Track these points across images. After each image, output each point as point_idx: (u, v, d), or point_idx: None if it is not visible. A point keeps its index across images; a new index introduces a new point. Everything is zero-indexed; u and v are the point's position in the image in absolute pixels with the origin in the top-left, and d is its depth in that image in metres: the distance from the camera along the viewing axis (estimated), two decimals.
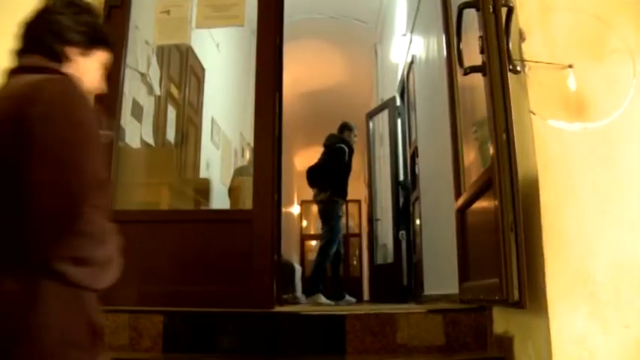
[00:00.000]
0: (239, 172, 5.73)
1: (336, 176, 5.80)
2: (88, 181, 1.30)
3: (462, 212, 2.78)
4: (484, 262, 2.27)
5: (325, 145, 6.13)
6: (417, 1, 5.55)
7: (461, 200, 2.79)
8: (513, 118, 1.89)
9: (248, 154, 5.90)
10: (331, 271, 5.94)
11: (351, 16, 8.36)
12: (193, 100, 5.75)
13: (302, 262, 12.85)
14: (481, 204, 2.35)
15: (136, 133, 4.17)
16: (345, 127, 6.18)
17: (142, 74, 4.24)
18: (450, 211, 3.17)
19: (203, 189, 5.10)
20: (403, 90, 6.92)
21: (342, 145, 5.89)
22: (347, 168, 5.93)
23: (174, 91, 5.27)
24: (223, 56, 6.51)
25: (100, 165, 1.37)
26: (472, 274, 2.60)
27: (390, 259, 6.96)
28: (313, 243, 13.97)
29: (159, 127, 4.79)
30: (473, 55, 2.16)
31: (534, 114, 2.00)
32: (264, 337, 2.83)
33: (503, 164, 1.88)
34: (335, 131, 6.22)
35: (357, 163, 7.26)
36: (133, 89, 4.00)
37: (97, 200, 1.33)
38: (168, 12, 3.57)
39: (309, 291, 5.67)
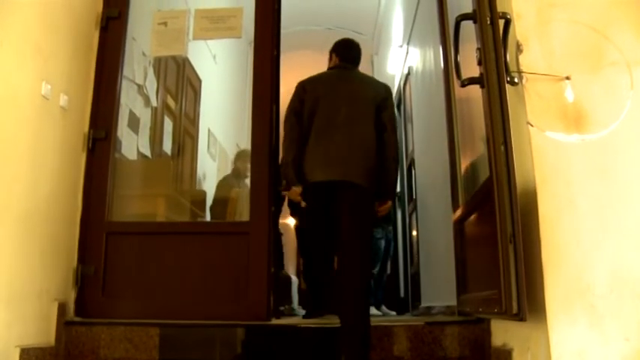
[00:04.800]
0: (224, 181, 5.70)
1: None
2: None
3: (460, 224, 2.78)
4: (482, 273, 2.26)
5: None
6: (413, 13, 5.57)
7: (459, 212, 2.78)
8: (511, 129, 1.89)
9: (230, 163, 5.88)
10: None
11: (347, 27, 8.37)
12: (190, 111, 5.75)
13: (298, 274, 12.80)
14: (479, 216, 2.35)
15: (133, 144, 4.16)
16: None
17: (139, 85, 4.24)
18: (447, 222, 3.16)
19: (199, 200, 5.08)
20: (400, 101, 6.93)
21: None
22: None
23: (171, 102, 5.26)
24: (220, 68, 6.52)
25: None
26: (470, 285, 2.59)
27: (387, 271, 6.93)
28: None
29: (155, 139, 4.78)
30: (470, 67, 2.17)
31: (532, 125, 2.00)
32: (260, 350, 2.81)
33: (502, 176, 1.87)
34: None
35: None
36: (129, 100, 4.00)
37: None
38: (165, 24, 3.58)
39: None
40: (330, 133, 3.17)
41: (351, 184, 3.00)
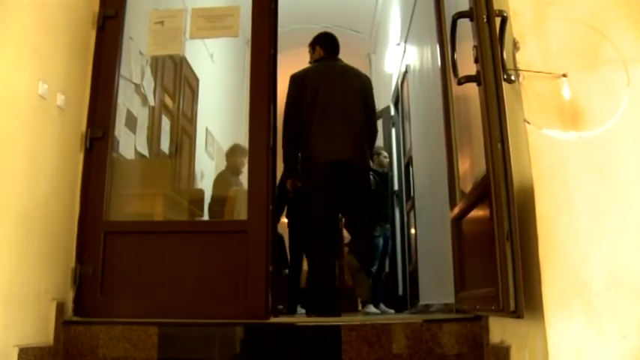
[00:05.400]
0: (221, 177, 5.70)
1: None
2: None
3: (457, 221, 2.78)
4: (480, 271, 2.27)
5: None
6: (410, 11, 5.57)
7: (456, 209, 2.79)
8: (508, 127, 1.89)
9: (224, 158, 5.89)
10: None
11: (345, 26, 8.39)
12: (187, 110, 5.75)
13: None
14: (477, 213, 2.35)
15: (130, 143, 4.16)
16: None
17: (136, 85, 4.24)
18: (445, 220, 3.16)
19: (197, 199, 5.08)
20: (397, 99, 6.94)
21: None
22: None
23: (169, 101, 5.26)
24: (217, 66, 6.52)
25: None
26: (468, 283, 2.60)
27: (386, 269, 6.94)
28: None
29: (153, 138, 4.78)
30: (467, 65, 2.17)
31: (529, 123, 2.00)
32: (259, 348, 2.81)
33: (499, 174, 1.87)
34: None
35: None
36: (127, 100, 4.00)
37: None
38: (162, 23, 3.58)
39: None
40: (331, 120, 3.74)
41: (351, 162, 3.67)
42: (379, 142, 7.39)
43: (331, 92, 3.75)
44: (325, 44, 4.09)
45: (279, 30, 3.58)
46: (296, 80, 3.86)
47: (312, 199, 3.81)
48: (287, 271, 5.30)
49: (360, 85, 3.90)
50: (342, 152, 3.68)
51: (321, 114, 3.73)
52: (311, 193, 3.81)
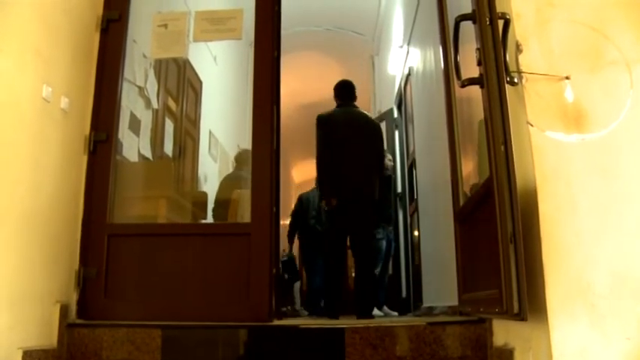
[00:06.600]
0: (228, 179, 5.69)
1: None
2: None
3: (460, 224, 2.78)
4: (483, 273, 2.26)
5: None
6: (413, 14, 5.58)
7: (460, 212, 2.79)
8: (511, 129, 1.89)
9: (231, 162, 5.89)
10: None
11: (348, 28, 8.41)
12: (191, 112, 5.75)
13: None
14: (480, 215, 2.35)
15: (134, 146, 4.16)
16: None
17: (140, 87, 4.25)
18: (448, 222, 3.16)
19: (201, 202, 5.09)
20: (400, 102, 6.94)
21: None
22: None
23: (172, 104, 5.27)
24: (221, 69, 6.52)
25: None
26: (472, 285, 2.59)
27: (389, 271, 6.93)
28: None
29: (156, 141, 4.78)
30: (470, 67, 2.17)
31: (532, 125, 2.00)
32: (262, 351, 2.81)
33: (502, 175, 1.87)
34: None
35: None
36: (130, 102, 4.00)
37: None
38: (165, 26, 3.59)
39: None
40: (349, 158, 4.43)
41: (364, 193, 4.44)
42: None
43: (350, 134, 4.49)
44: (339, 94, 4.78)
45: (283, 32, 3.59)
46: (322, 121, 4.61)
47: (333, 220, 4.56)
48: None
49: (373, 133, 4.67)
50: (357, 184, 4.44)
51: (341, 152, 4.45)
52: (333, 215, 4.54)
